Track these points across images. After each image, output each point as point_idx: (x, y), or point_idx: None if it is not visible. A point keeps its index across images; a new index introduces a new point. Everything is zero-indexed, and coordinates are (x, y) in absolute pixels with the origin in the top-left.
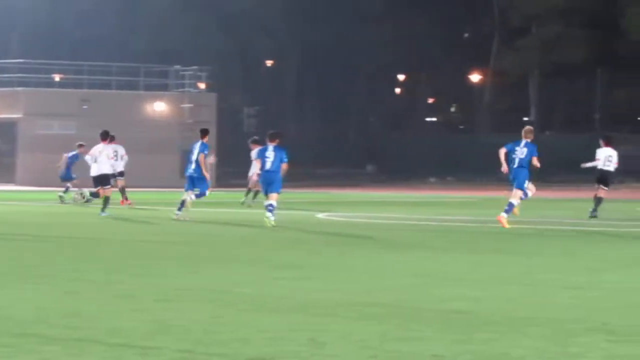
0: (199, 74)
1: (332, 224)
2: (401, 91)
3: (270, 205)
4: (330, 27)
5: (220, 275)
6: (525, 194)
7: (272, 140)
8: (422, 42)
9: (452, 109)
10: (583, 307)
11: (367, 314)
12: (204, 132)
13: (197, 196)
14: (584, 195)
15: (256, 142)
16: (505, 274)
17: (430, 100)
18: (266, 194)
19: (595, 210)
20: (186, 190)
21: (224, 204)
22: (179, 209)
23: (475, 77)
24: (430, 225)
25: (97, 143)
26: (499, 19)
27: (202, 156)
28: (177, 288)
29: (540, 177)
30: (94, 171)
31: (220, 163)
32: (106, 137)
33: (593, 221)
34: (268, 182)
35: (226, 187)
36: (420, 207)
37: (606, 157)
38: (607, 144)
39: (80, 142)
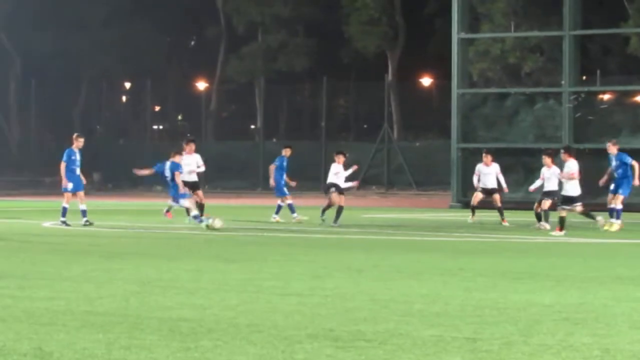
0: None
1: (57, 233)
2: (127, 99)
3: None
4: (52, 34)
5: None
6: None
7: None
8: (146, 49)
9: (179, 117)
10: (306, 314)
11: (92, 323)
12: None
13: None
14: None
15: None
16: (228, 281)
17: (157, 108)
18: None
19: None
20: None
21: None
22: None
23: (201, 85)
24: (154, 233)
25: None
26: (225, 26)
27: None
28: None
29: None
30: None
31: None
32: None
33: (316, 228)
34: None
35: None
36: (146, 216)
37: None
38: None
39: None
